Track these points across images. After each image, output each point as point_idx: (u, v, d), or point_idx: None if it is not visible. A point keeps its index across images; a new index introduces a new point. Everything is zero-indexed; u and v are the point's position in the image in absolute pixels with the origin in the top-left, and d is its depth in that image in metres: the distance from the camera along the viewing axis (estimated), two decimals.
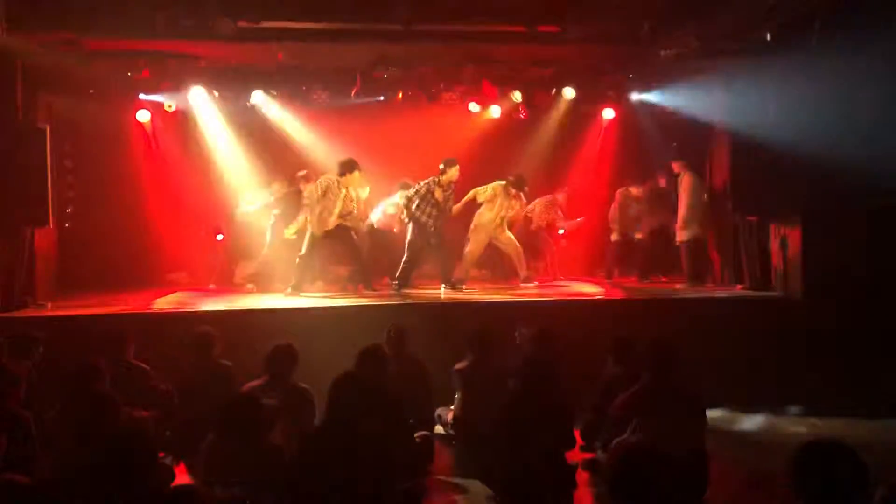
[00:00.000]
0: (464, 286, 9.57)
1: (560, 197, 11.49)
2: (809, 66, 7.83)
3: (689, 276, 10.00)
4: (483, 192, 9.97)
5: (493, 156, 11.09)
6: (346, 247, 9.50)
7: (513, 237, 10.21)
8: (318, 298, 9.03)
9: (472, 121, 11.41)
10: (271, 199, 10.25)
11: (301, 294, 9.11)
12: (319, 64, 9.89)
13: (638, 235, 10.93)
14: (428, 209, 9.39)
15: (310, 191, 9.36)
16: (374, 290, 9.26)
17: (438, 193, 9.39)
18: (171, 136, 11.12)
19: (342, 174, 9.20)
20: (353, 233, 9.42)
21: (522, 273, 10.16)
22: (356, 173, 9.29)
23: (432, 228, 9.41)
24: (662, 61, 8.90)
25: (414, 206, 9.42)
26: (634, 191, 11.01)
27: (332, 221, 9.14)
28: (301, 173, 10.15)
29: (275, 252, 10.09)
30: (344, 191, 9.17)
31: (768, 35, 8.21)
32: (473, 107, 11.17)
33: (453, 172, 9.44)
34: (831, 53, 7.57)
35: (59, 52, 8.32)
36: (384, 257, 10.24)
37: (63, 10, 7.54)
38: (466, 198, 10.00)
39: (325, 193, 9.10)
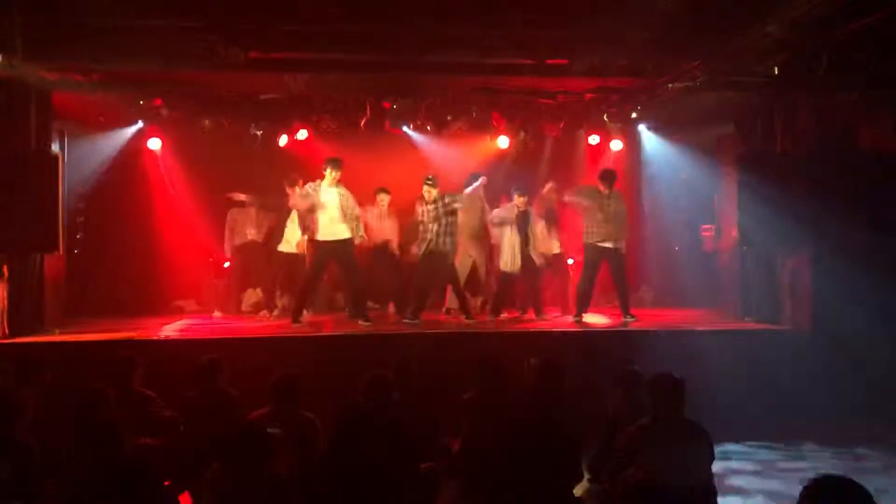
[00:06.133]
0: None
1: None
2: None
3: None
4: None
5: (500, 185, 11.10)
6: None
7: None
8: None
9: (479, 151, 11.47)
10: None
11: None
12: (329, 94, 9.96)
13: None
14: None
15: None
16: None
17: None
18: (180, 163, 11.21)
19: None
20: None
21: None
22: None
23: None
24: (670, 94, 8.94)
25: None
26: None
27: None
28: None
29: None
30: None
31: (776, 69, 8.25)
32: (482, 137, 11.26)
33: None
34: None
35: (72, 81, 8.43)
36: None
37: (76, 39, 7.62)
38: None
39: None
